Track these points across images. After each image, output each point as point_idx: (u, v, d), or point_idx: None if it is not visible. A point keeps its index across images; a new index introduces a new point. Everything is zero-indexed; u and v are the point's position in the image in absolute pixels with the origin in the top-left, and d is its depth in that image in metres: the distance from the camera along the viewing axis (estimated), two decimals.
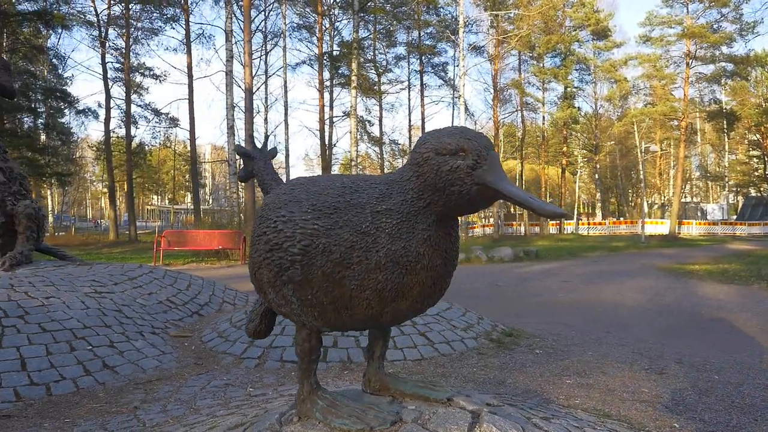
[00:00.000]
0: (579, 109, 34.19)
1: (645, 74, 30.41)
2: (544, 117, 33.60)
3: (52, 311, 4.19)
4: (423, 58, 30.17)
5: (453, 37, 24.52)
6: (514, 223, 33.69)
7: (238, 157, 5.90)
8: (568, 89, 32.28)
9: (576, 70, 33.07)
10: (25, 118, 27.52)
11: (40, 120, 28.05)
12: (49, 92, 25.69)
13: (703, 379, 3.66)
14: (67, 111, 30.00)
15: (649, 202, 42.91)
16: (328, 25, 26.78)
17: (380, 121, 30.41)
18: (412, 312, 1.86)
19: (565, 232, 32.38)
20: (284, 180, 4.46)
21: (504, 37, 27.77)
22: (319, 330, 1.94)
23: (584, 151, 38.91)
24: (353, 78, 23.19)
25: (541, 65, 31.85)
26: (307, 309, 1.79)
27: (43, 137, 28.38)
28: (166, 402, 3.17)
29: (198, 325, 5.03)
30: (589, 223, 35.79)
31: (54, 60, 27.42)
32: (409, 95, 31.89)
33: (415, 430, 1.79)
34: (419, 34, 29.69)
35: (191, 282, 6.19)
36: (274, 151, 6.34)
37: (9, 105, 21.93)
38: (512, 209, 34.64)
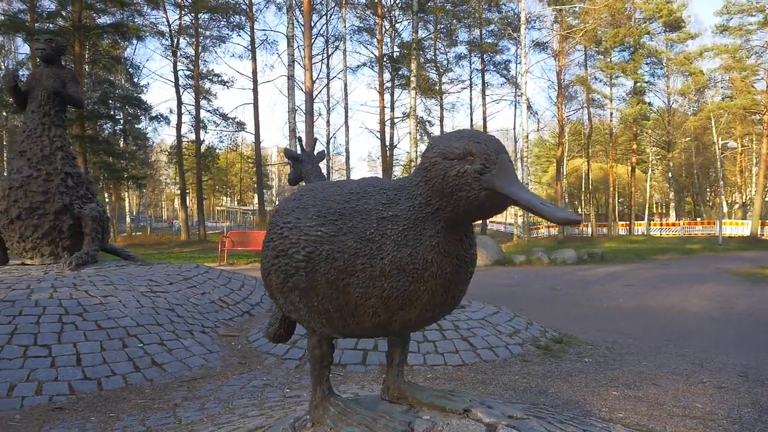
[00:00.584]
0: (650, 104, 32.62)
1: (723, 66, 28.61)
2: (612, 113, 32.27)
3: (109, 309, 4.41)
4: (484, 56, 29.73)
5: (515, 34, 23.99)
6: (582, 224, 32.55)
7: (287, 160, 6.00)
8: (638, 84, 30.86)
9: (646, 63, 31.55)
10: (105, 125, 29.30)
11: (118, 126, 29.76)
12: (126, 100, 27.16)
13: (767, 395, 3.39)
14: (143, 117, 31.56)
15: (729, 201, 40.39)
16: (388, 27, 26.90)
17: (441, 121, 30.25)
18: (423, 320, 1.81)
19: (636, 234, 31.00)
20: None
21: (568, 33, 26.92)
22: (330, 336, 1.93)
23: (656, 149, 37.12)
24: (412, 79, 23.16)
25: (609, 60, 30.59)
26: (315, 316, 1.78)
27: (121, 143, 30.03)
28: (206, 400, 3.26)
29: (247, 324, 5.16)
30: (661, 224, 34.10)
31: (130, 69, 28.87)
32: (471, 94, 31.56)
33: None
34: (480, 32, 29.28)
35: (244, 282, 6.36)
36: (321, 154, 6.39)
37: (90, 113, 23.39)
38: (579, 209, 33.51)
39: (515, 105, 29.74)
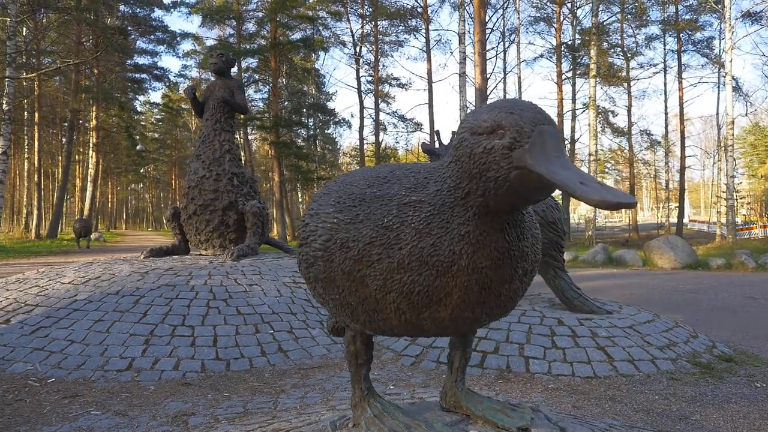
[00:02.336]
0: None
1: None
2: None
3: (251, 297, 4.77)
4: (681, 34, 26.46)
5: (718, 6, 20.95)
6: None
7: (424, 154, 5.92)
8: None
9: None
10: (299, 131, 32.26)
11: (309, 132, 32.54)
12: (315, 108, 29.48)
13: None
14: (331, 123, 33.94)
15: None
16: (567, 13, 25.37)
17: (628, 110, 27.66)
18: (462, 322, 1.58)
19: None
20: None
21: None
22: (363, 332, 1.80)
23: None
24: (592, 66, 21.52)
25: None
26: (341, 309, 1.68)
27: (313, 147, 32.72)
28: (311, 389, 3.33)
29: None
30: None
31: (317, 79, 31.24)
32: (665, 79, 28.30)
33: None
34: (676, 8, 26.12)
35: None
36: None
37: (286, 121, 25.90)
38: None
39: (718, 87, 26.02)
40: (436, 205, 1.50)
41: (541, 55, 26.82)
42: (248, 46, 25.68)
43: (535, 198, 1.43)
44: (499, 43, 27.08)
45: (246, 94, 31.15)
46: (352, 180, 1.69)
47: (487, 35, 22.02)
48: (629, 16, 25.82)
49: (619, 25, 26.04)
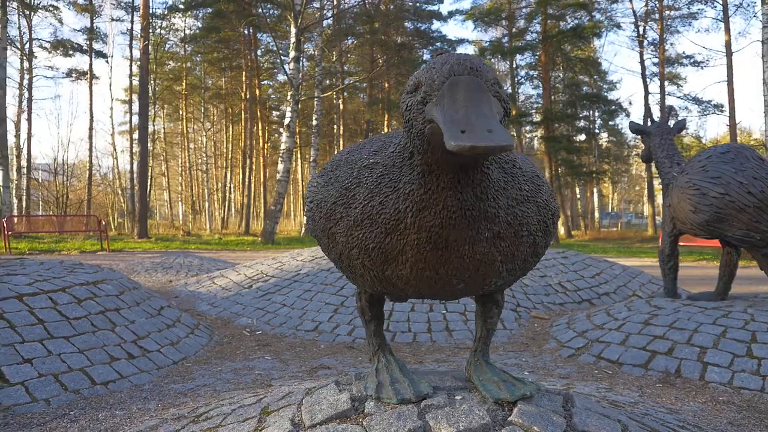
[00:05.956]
0: None
1: None
2: None
3: None
4: None
5: None
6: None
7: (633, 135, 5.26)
8: None
9: None
10: (579, 125, 30.90)
11: (588, 125, 30.93)
12: (591, 98, 27.88)
13: None
14: (618, 113, 31.46)
15: None
16: None
17: None
18: (430, 282, 1.60)
19: None
20: (695, 158, 3.97)
21: None
22: (366, 291, 1.92)
23: None
24: None
25: None
26: (337, 266, 1.85)
27: (591, 140, 30.96)
28: (448, 365, 3.45)
29: (570, 311, 4.90)
30: None
31: (593, 68, 29.46)
32: None
33: (409, 417, 1.59)
34: None
35: (603, 270, 5.97)
36: (681, 124, 5.48)
37: (556, 115, 25.23)
38: None
39: None
40: (388, 165, 1.58)
41: None
42: (519, 44, 25.78)
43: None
44: None
45: (518, 90, 31.24)
46: (352, 148, 1.85)
47: None
48: None
49: None
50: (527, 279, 5.38)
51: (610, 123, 34.98)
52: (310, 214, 1.81)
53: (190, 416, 2.12)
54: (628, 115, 29.02)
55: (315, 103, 22.46)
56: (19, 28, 26.35)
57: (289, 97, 18.40)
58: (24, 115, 26.77)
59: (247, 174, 30.28)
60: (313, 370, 3.28)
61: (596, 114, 32.46)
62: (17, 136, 26.74)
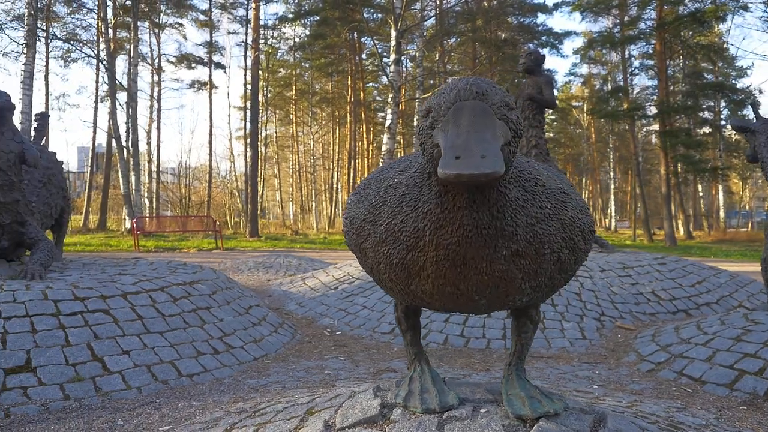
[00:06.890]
0: None
1: None
2: None
3: None
4: None
5: None
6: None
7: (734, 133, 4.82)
8: None
9: None
10: (701, 116, 28.53)
11: (710, 116, 28.45)
12: (715, 87, 25.59)
13: None
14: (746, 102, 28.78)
15: None
16: None
17: None
18: (452, 297, 1.67)
19: None
20: None
21: None
22: (401, 302, 1.99)
23: None
24: None
25: None
26: (372, 278, 1.94)
27: (717, 133, 28.47)
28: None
29: (665, 323, 4.62)
30: None
31: (716, 54, 27.00)
32: None
33: (428, 427, 1.66)
34: None
35: (706, 277, 5.56)
36: None
37: (672, 107, 23.45)
38: None
39: None
40: (409, 185, 1.66)
41: None
42: (632, 32, 24.27)
43: None
44: None
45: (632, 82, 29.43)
46: (383, 168, 1.94)
47: None
48: None
49: None
50: (615, 286, 5.14)
51: (739, 113, 31.88)
52: (345, 229, 1.92)
53: (250, 411, 2.32)
54: (754, 105, 26.21)
55: (416, 104, 22.68)
56: (150, 45, 29.14)
57: (389, 100, 18.73)
58: (154, 124, 29.56)
59: (353, 175, 31.19)
60: (379, 373, 3.40)
61: (722, 104, 29.72)
62: (149, 143, 29.58)
